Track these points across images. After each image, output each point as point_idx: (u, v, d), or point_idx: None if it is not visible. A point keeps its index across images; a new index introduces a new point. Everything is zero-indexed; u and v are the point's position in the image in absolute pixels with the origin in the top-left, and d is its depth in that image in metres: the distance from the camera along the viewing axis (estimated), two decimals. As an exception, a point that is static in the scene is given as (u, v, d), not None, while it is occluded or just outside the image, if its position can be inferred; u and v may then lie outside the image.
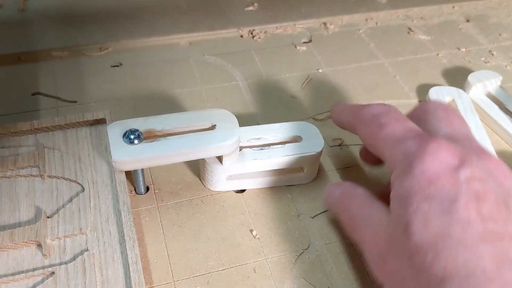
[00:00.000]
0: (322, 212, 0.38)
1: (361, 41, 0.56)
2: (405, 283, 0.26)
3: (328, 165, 0.41)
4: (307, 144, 0.38)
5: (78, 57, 0.50)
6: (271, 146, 0.38)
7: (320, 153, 0.38)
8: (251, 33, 0.55)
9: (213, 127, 0.35)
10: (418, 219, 0.25)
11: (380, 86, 0.50)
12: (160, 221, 0.36)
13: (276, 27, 0.57)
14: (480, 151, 0.29)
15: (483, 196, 0.25)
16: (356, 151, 0.43)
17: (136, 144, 0.33)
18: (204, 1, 0.59)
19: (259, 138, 0.38)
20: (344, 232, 0.36)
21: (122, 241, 0.31)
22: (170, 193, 0.38)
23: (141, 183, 0.37)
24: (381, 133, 0.31)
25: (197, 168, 0.40)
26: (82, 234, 0.31)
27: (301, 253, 0.35)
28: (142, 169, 0.36)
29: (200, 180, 0.39)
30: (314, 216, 0.37)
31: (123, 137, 0.34)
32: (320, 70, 0.51)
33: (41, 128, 0.36)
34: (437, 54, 0.55)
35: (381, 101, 0.47)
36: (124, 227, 0.31)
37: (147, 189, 0.38)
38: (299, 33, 0.56)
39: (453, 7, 0.63)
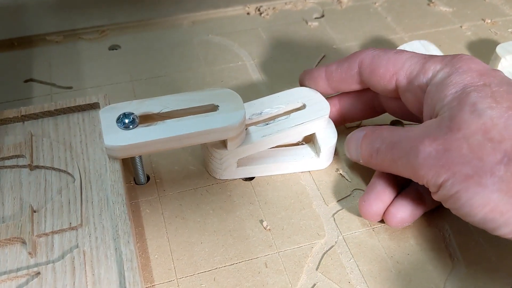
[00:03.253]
0: (341, 199, 0.34)
1: (377, 15, 0.52)
2: (484, 159, 0.26)
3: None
4: (312, 110, 0.35)
5: (74, 41, 0.47)
6: (276, 119, 0.34)
7: (327, 117, 0.35)
8: (258, 10, 0.52)
9: (215, 108, 0.32)
10: (486, 98, 0.27)
11: (400, 62, 0.46)
12: (162, 213, 0.33)
13: (285, 3, 0.53)
14: None
15: None
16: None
17: (131, 129, 0.30)
18: (208, -21, 0.56)
19: (260, 113, 0.35)
20: (364, 221, 0.32)
21: (116, 237, 0.28)
22: (172, 183, 0.35)
23: (140, 172, 0.34)
24: (402, 57, 0.32)
25: (202, 155, 0.36)
26: (72, 229, 0.28)
27: (317, 245, 0.32)
28: (141, 157, 0.33)
29: (205, 168, 0.36)
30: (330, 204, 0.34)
31: (116, 122, 0.30)
32: (334, 47, 0.47)
33: (29, 115, 0.33)
34: (461, 26, 0.51)
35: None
36: (118, 220, 0.28)
37: (148, 178, 0.35)
38: (310, 8, 0.52)
39: (476, -24, 0.58)
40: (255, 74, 0.45)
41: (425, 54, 0.32)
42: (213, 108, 0.32)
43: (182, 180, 0.35)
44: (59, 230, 0.28)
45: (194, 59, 0.46)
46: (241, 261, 0.31)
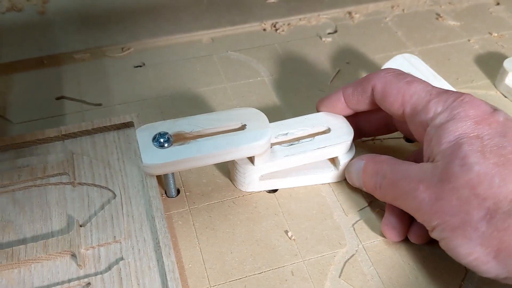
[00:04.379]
0: (360, 209, 0.37)
1: (388, 29, 0.54)
2: (470, 213, 0.28)
3: (362, 160, 0.40)
4: (336, 134, 0.37)
5: (100, 58, 0.50)
6: (301, 140, 0.37)
7: (351, 142, 0.37)
8: (274, 26, 0.54)
9: (243, 127, 0.34)
10: (475, 153, 0.28)
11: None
12: (193, 224, 0.35)
13: (300, 19, 0.55)
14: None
15: None
16: (390, 144, 0.41)
17: (166, 147, 0.33)
18: (225, -4, 0.58)
19: (286, 134, 0.37)
20: (378, 233, 0.35)
21: (157, 248, 0.30)
22: (201, 195, 0.37)
23: (172, 186, 0.36)
24: (411, 89, 0.33)
25: (227, 168, 0.39)
26: (116, 242, 0.31)
27: (339, 253, 0.34)
28: (173, 173, 0.36)
29: (231, 181, 0.38)
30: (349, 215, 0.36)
31: (152, 141, 0.33)
32: (348, 62, 0.50)
33: (68, 134, 0.36)
34: (468, 40, 0.53)
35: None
36: (158, 233, 0.30)
37: (178, 191, 0.38)
38: (323, 23, 0.55)
39: (482, -10, 0.61)
40: (273, 89, 0.47)
41: (433, 88, 0.33)
42: (241, 127, 0.34)
43: (210, 193, 0.38)
44: (105, 243, 0.30)
45: (215, 74, 0.48)
46: (269, 269, 0.33)
